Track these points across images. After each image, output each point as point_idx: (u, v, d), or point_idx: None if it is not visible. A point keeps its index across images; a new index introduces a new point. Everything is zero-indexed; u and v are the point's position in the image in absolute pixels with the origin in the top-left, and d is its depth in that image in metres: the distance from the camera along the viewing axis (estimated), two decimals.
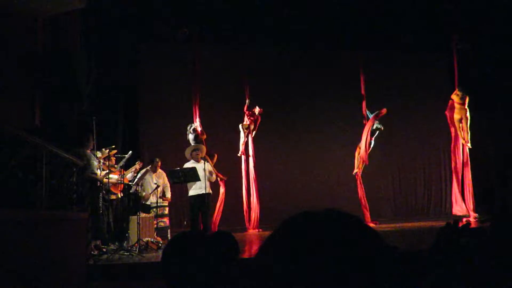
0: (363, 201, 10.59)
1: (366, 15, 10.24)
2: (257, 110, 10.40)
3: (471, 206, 10.41)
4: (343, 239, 0.66)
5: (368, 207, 10.57)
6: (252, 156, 10.42)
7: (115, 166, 7.75)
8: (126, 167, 8.07)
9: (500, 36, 10.67)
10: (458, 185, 10.67)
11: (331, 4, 9.89)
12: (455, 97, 10.58)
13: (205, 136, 9.38)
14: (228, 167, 10.65)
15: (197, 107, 9.79)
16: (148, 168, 8.44)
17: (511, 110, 10.90)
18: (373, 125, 10.65)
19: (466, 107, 10.43)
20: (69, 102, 7.12)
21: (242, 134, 10.44)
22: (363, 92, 11.01)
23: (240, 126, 10.44)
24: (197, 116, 9.73)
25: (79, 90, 7.39)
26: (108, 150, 7.47)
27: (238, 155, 10.41)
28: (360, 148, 10.67)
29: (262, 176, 10.63)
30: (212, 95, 10.72)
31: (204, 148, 8.41)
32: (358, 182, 10.74)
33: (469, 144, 10.48)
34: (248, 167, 10.44)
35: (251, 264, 0.68)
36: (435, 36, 11.05)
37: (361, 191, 10.64)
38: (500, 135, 11.22)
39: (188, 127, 9.34)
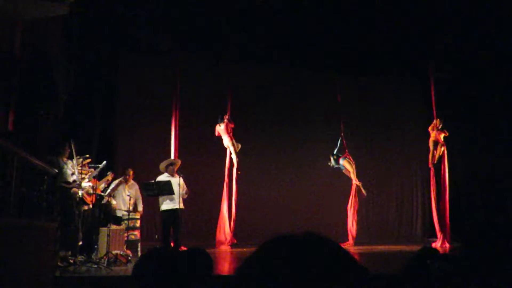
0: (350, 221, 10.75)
1: (345, 39, 10.47)
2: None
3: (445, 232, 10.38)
4: (322, 263, 0.68)
5: (351, 228, 10.73)
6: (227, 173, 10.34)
7: (88, 170, 7.61)
8: (100, 177, 7.94)
9: (477, 64, 11.01)
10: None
11: (312, 27, 10.08)
12: (431, 131, 10.80)
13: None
14: (204, 182, 10.63)
15: (176, 123, 9.71)
16: (121, 179, 8.32)
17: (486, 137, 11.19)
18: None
19: (442, 140, 10.62)
20: (45, 108, 6.99)
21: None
22: (340, 114, 11.19)
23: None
24: (175, 131, 9.66)
25: (57, 96, 7.27)
26: (81, 159, 7.34)
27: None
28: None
29: (242, 192, 10.54)
30: (192, 107, 10.71)
31: (179, 162, 8.36)
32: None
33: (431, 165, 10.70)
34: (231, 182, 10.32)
35: (230, 283, 0.69)
36: (412, 62, 11.36)
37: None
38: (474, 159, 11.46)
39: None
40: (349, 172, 10.88)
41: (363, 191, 10.77)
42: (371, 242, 11.30)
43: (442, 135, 10.56)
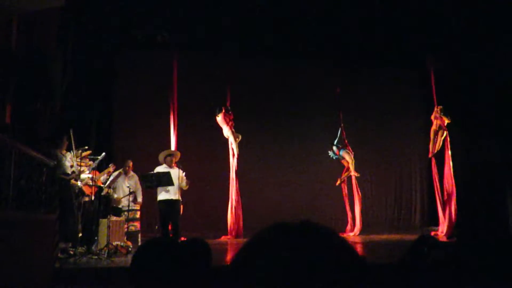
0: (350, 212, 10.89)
1: (345, 31, 10.42)
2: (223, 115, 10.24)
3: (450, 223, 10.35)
4: (318, 252, 0.68)
5: (351, 218, 10.81)
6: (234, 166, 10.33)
7: (88, 163, 7.62)
8: (99, 169, 7.94)
9: (473, 56, 10.95)
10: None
11: (312, 19, 10.03)
12: (433, 119, 10.77)
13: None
14: (204, 174, 10.63)
15: (174, 115, 9.67)
16: (120, 170, 8.32)
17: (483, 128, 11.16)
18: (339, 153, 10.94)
19: (445, 126, 10.60)
20: (42, 102, 6.96)
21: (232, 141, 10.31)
22: (339, 106, 11.17)
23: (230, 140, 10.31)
24: (175, 123, 9.62)
25: (53, 89, 7.24)
26: (80, 151, 7.34)
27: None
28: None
29: (242, 185, 10.52)
30: (192, 98, 10.69)
31: (179, 154, 8.34)
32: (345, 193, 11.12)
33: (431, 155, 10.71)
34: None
35: (225, 274, 0.69)
36: (409, 54, 11.31)
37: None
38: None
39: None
40: (348, 163, 10.91)
41: (356, 173, 10.86)
42: (370, 232, 11.36)
43: (445, 121, 10.53)
